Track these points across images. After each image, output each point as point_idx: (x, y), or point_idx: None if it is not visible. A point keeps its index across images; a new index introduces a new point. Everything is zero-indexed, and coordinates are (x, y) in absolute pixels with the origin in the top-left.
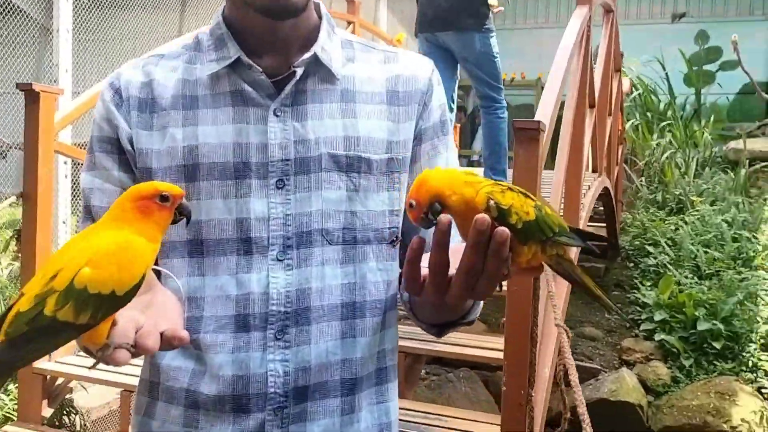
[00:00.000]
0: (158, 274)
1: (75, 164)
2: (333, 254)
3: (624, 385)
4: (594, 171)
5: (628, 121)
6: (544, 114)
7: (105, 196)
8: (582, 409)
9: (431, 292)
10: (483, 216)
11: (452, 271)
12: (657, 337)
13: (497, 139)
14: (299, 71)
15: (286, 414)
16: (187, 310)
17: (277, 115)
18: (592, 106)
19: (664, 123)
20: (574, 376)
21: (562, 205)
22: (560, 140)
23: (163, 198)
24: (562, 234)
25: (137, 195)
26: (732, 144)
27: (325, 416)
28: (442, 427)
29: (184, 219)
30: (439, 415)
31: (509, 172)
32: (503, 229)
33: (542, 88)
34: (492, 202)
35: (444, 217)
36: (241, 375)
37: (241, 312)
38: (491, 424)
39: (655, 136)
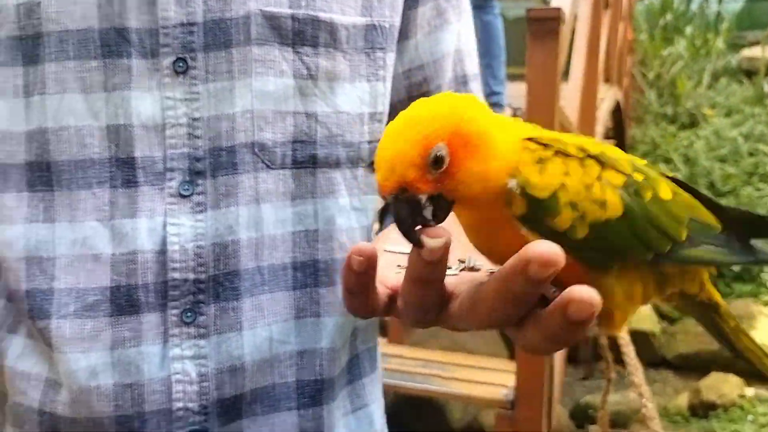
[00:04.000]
0: None
1: None
2: (276, 184)
3: (637, 313)
4: (606, 81)
5: (640, 28)
6: (562, 1)
7: None
8: (628, 349)
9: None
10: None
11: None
12: None
13: (497, 42)
14: None
15: None
16: (25, 278)
17: None
18: (606, 6)
19: (686, 28)
20: None
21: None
22: (575, 41)
23: None
24: (701, 236)
25: None
26: (746, 52)
27: None
28: (445, 377)
29: None
30: (441, 363)
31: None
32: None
33: None
34: (513, 182)
35: (433, 242)
36: (129, 385)
37: (122, 282)
38: (504, 371)
39: (666, 45)
